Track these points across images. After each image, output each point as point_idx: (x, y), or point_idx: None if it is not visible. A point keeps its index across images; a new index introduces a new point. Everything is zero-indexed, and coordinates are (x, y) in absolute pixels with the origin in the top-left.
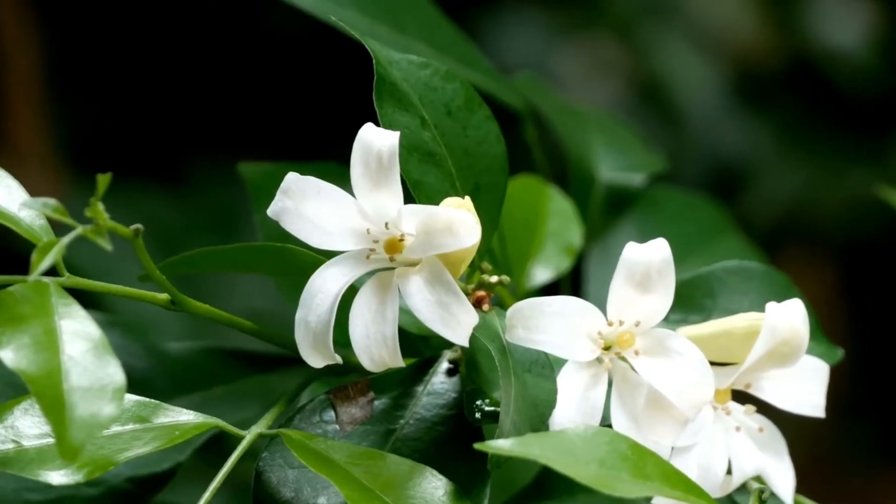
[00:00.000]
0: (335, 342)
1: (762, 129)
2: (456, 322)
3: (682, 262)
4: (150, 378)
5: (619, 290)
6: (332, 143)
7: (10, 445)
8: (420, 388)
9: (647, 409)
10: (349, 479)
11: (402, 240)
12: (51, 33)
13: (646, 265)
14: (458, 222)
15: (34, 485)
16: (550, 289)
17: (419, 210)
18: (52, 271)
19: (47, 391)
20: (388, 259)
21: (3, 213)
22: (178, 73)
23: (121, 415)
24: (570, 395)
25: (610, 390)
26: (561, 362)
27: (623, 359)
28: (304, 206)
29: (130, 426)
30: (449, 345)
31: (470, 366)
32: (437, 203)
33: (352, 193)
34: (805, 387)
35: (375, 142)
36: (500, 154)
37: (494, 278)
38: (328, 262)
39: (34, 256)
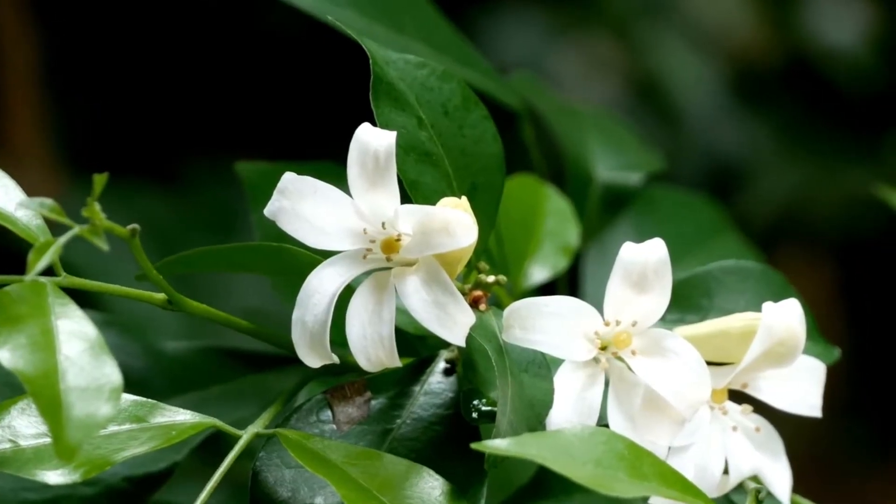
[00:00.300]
0: (332, 342)
1: (759, 128)
2: (453, 322)
3: (679, 262)
4: (147, 378)
5: (616, 289)
6: (329, 142)
7: (7, 445)
8: (417, 388)
9: (643, 409)
10: (346, 479)
11: (398, 240)
12: (48, 33)
13: (642, 265)
14: (454, 222)
15: (31, 484)
16: (547, 288)
17: (416, 210)
18: (49, 271)
19: (44, 391)
20: (384, 259)
21: (0, 213)
22: (175, 73)
23: (118, 414)
24: (567, 395)
25: (607, 390)
26: (558, 362)
27: (620, 359)
28: (301, 205)
29: (127, 426)
30: (446, 345)
31: (467, 366)
32: (433, 203)
33: (349, 193)
34: (802, 386)
35: (372, 141)
36: (496, 154)
37: (491, 278)
38: (325, 262)
39: (31, 256)
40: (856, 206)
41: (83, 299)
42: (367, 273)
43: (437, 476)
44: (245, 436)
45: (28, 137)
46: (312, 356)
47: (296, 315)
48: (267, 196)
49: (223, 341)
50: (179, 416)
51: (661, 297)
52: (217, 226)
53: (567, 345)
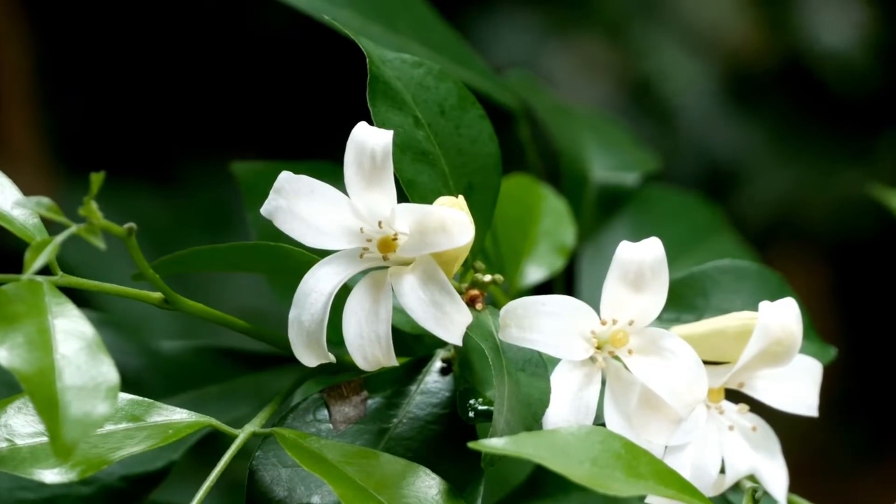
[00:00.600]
0: (329, 341)
1: (753, 130)
2: (450, 321)
3: (675, 262)
4: (143, 377)
5: (613, 289)
6: (324, 143)
7: (4, 444)
8: (413, 388)
9: (640, 409)
10: (343, 478)
11: (395, 239)
12: (42, 33)
13: (639, 264)
14: (451, 221)
15: (28, 483)
16: (543, 288)
17: (412, 209)
18: (45, 270)
19: (41, 390)
20: (381, 258)
21: None
22: (168, 73)
23: (114, 413)
24: (564, 394)
25: (603, 389)
26: (554, 361)
27: (616, 358)
28: (298, 205)
29: (124, 425)
30: (442, 344)
31: (463, 365)
32: (430, 202)
33: (345, 192)
34: (798, 386)
35: (369, 141)
36: (493, 153)
37: (488, 277)
38: (322, 261)
39: (28, 255)
40: (849, 207)
41: (79, 299)
42: (364, 272)
43: (434, 475)
44: (242, 435)
45: (22, 137)
46: (309, 355)
47: (292, 314)
48: (262, 196)
49: (219, 341)
50: (176, 416)
51: (657, 297)
52: (212, 226)
53: (564, 344)
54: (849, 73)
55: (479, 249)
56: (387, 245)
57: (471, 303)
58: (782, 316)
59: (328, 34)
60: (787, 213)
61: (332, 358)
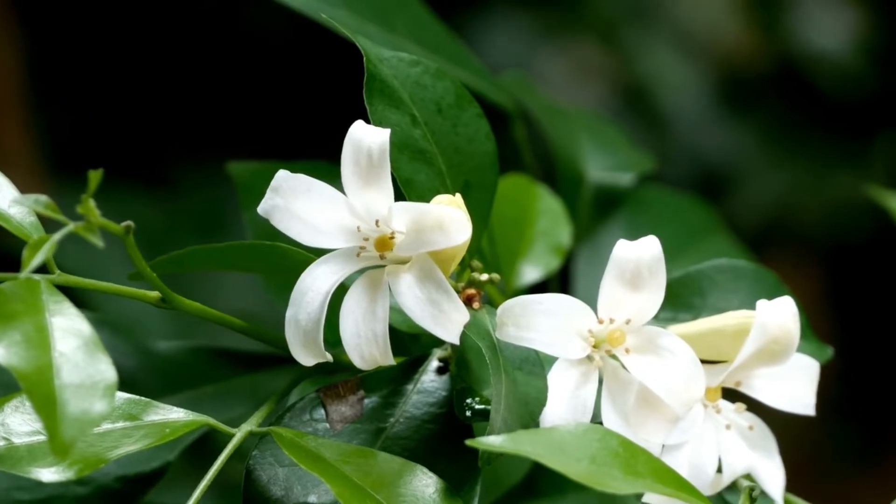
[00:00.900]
0: (325, 341)
1: (747, 133)
2: (447, 320)
3: (671, 262)
4: (140, 377)
5: (610, 287)
6: (320, 144)
7: (1, 443)
8: (410, 387)
9: (637, 407)
10: (340, 477)
11: (392, 237)
12: (33, 34)
13: (636, 262)
14: (448, 219)
15: (24, 483)
16: (540, 288)
17: (410, 207)
18: (43, 269)
19: (38, 388)
20: (378, 257)
21: None
22: (162, 74)
23: (111, 412)
24: (561, 392)
25: (600, 388)
26: (551, 360)
27: (614, 356)
28: (295, 203)
29: (121, 424)
30: (439, 343)
31: (460, 364)
32: (427, 201)
33: (342, 191)
34: (795, 385)
35: (366, 139)
36: (490, 152)
37: (485, 276)
38: (318, 260)
39: (25, 253)
40: (843, 210)
41: (74, 301)
42: (361, 271)
43: (431, 474)
44: (238, 434)
45: (15, 141)
46: (306, 354)
47: (289, 313)
48: (259, 195)
49: (214, 341)
50: (173, 415)
51: (655, 295)
52: (206, 228)
53: (561, 343)
54: (842, 76)
55: (476, 248)
56: (384, 244)
57: (468, 302)
58: (780, 314)
59: (323, 34)
60: (781, 217)
61: (328, 357)
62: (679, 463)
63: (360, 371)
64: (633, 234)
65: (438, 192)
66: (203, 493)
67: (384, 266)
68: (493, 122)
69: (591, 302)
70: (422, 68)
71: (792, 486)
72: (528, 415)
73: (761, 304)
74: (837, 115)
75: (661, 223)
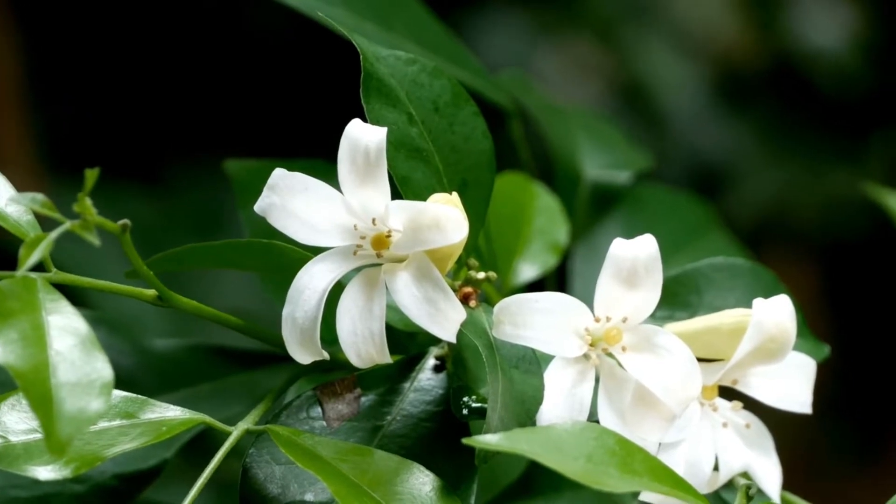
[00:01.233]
0: (322, 339)
1: (744, 131)
2: (443, 318)
3: (668, 260)
4: (136, 375)
5: (607, 285)
6: (316, 143)
7: None
8: (407, 385)
9: (634, 406)
10: (337, 475)
11: (389, 236)
12: (30, 34)
13: (633, 261)
14: (445, 218)
15: (21, 482)
16: (536, 286)
17: (406, 206)
18: (39, 268)
19: (35, 386)
20: (375, 255)
21: None
22: (158, 74)
23: (108, 410)
24: (558, 391)
25: (597, 387)
26: (548, 358)
27: (610, 355)
28: (292, 202)
29: (117, 422)
30: (436, 341)
31: (457, 362)
32: (424, 199)
33: (339, 190)
34: (792, 383)
35: (363, 138)
36: (486, 150)
37: (481, 275)
38: (315, 259)
39: (22, 251)
40: (840, 208)
41: (71, 300)
42: (358, 269)
43: (428, 472)
44: (235, 432)
45: (11, 141)
46: (302, 352)
47: (286, 311)
48: (255, 194)
49: (211, 339)
50: (170, 413)
51: (651, 293)
52: (202, 228)
53: (557, 341)
54: (839, 74)
55: (472, 247)
56: (381, 242)
57: (464, 300)
58: (776, 313)
59: (320, 33)
60: (777, 214)
61: (325, 355)
62: (676, 461)
63: (356, 369)
64: (630, 233)
65: (435, 191)
66: (200, 490)
67: (381, 264)
68: (490, 120)
69: (588, 300)
70: (418, 67)
71: (788, 484)
72: (525, 413)
73: (758, 302)
74: (834, 113)
75: (658, 221)
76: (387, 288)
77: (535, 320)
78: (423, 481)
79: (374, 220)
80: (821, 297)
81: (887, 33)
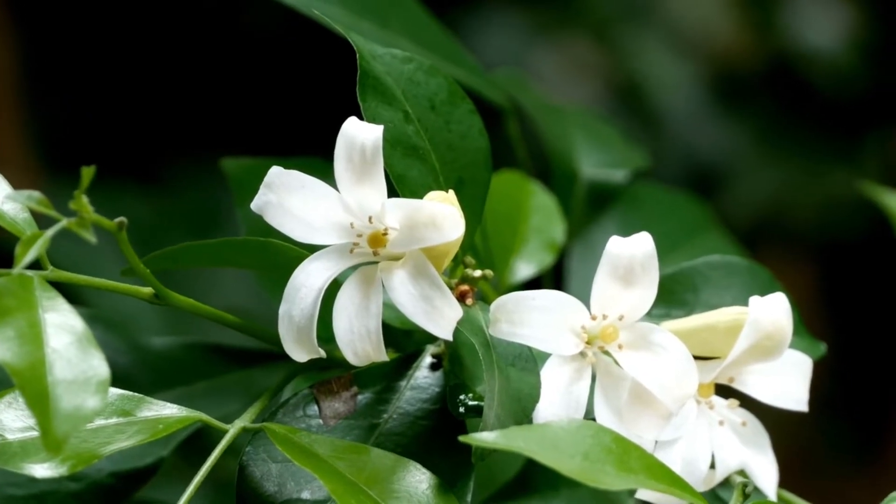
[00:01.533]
0: (318, 337)
1: (740, 131)
2: (440, 316)
3: (664, 259)
4: (133, 373)
5: (603, 283)
6: (313, 143)
7: None
8: (403, 383)
9: (630, 403)
10: (333, 473)
11: (385, 234)
12: (27, 32)
13: (629, 259)
14: (441, 216)
15: (17, 480)
16: (533, 284)
17: (403, 204)
18: (36, 266)
19: (31, 384)
20: (371, 253)
21: None
22: (155, 73)
23: (104, 408)
24: (554, 389)
25: (594, 384)
26: (545, 356)
27: (607, 353)
28: (288, 200)
29: (114, 420)
30: (432, 339)
31: (453, 360)
32: (420, 197)
33: (335, 188)
34: (788, 381)
35: (359, 135)
36: (483, 148)
37: (478, 273)
38: (312, 257)
39: (18, 249)
40: (836, 207)
41: (67, 297)
42: (354, 267)
43: (425, 470)
44: (232, 430)
45: (8, 139)
46: (299, 350)
47: (282, 309)
48: (252, 192)
49: (208, 337)
50: (166, 410)
51: (647, 291)
52: (199, 227)
53: (554, 339)
54: (835, 74)
55: (469, 245)
56: (377, 240)
57: (461, 298)
58: (772, 311)
59: (316, 32)
60: (773, 214)
61: (322, 353)
62: (672, 459)
63: (353, 367)
64: (627, 231)
65: (431, 189)
66: (196, 488)
67: (377, 262)
68: (487, 118)
69: (585, 298)
70: (415, 65)
71: (785, 482)
72: (522, 411)
73: (754, 300)
74: (830, 113)
75: (655, 220)
76: (383, 286)
77: (532, 318)
78: (419, 479)
79: (370, 218)
80: (817, 296)
81: (884, 33)
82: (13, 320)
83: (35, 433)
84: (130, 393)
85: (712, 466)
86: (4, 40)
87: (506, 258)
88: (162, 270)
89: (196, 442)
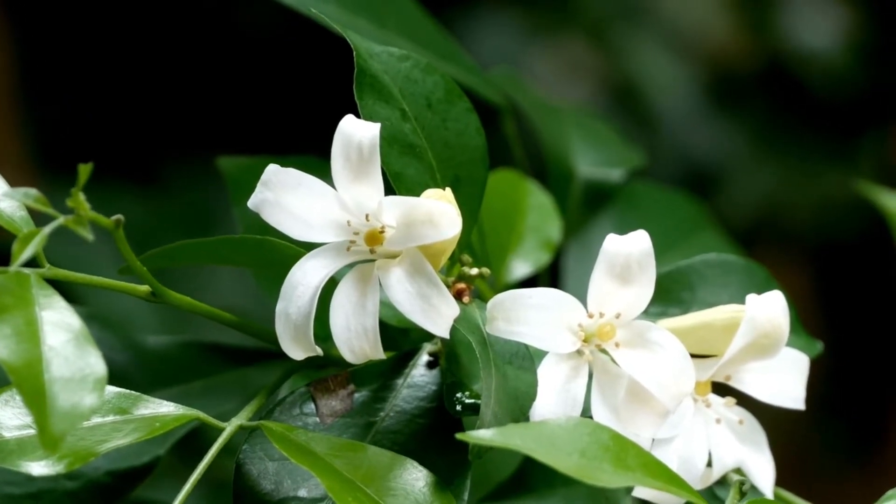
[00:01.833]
0: (315, 335)
1: (735, 131)
2: (437, 314)
3: (661, 257)
4: (130, 372)
5: (600, 281)
6: (309, 140)
7: None
8: (400, 381)
9: (627, 401)
10: (330, 471)
11: (382, 231)
12: (23, 32)
13: (626, 257)
14: (438, 214)
15: (14, 478)
16: (529, 283)
17: (400, 201)
18: (33, 263)
19: (28, 381)
20: (368, 251)
21: None
22: (152, 73)
23: (101, 406)
24: (551, 387)
25: (590, 383)
26: (541, 354)
27: (604, 351)
28: (285, 197)
29: (111, 417)
30: (429, 337)
31: (450, 358)
32: (417, 195)
33: (332, 186)
34: (785, 379)
35: (356, 133)
36: (479, 146)
37: (475, 271)
38: (309, 255)
39: (15, 247)
40: (832, 207)
41: (64, 295)
42: (351, 265)
43: (421, 468)
44: (229, 428)
45: (5, 139)
46: (296, 348)
47: (279, 307)
48: (249, 190)
49: (205, 336)
50: (163, 409)
51: (644, 289)
52: (195, 226)
53: (551, 337)
54: (831, 74)
55: (465, 243)
56: (374, 238)
57: (458, 296)
58: (769, 308)
59: (313, 32)
60: (769, 215)
61: (319, 351)
62: (669, 457)
63: (350, 365)
64: (623, 230)
65: (428, 187)
66: (193, 487)
67: (374, 260)
68: (483, 117)
69: (582, 297)
70: (412, 63)
71: (781, 481)
72: (518, 409)
73: (751, 298)
74: (826, 113)
75: (651, 219)
76: (380, 284)
77: (529, 316)
78: (416, 477)
79: (367, 216)
80: (813, 296)
81: (879, 34)
82: (10, 318)
83: (32, 431)
84: (127, 391)
85: (709, 464)
86: (1, 39)
87: (502, 256)
88: (159, 269)
89: (192, 442)
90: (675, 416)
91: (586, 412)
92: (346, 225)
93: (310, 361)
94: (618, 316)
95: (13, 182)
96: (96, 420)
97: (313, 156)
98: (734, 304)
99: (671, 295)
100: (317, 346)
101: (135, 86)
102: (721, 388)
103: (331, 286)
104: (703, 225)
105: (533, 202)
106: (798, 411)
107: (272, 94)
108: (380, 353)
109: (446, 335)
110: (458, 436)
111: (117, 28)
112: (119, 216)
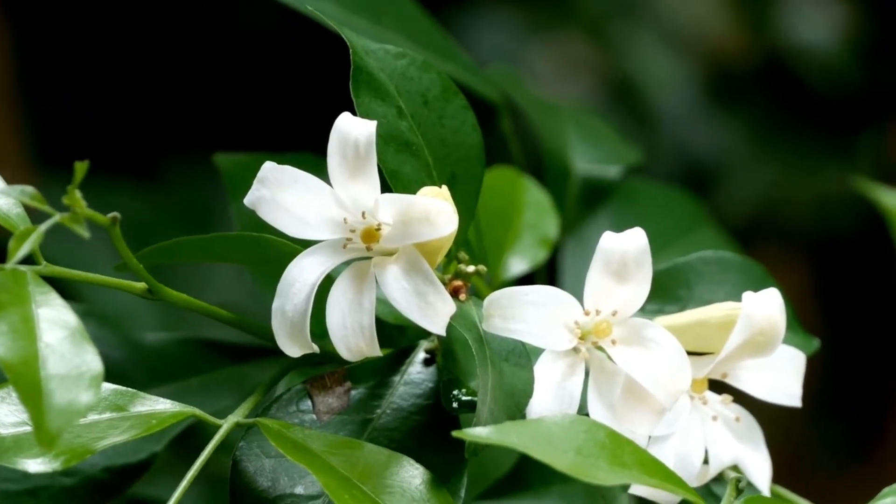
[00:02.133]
0: (312, 332)
1: (734, 128)
2: (433, 311)
3: (658, 255)
4: (126, 369)
5: (596, 279)
6: (306, 137)
7: None
8: (397, 378)
9: (623, 399)
10: (327, 468)
11: (378, 229)
12: (22, 32)
13: (623, 254)
14: (434, 211)
15: (11, 475)
16: (526, 280)
17: (396, 199)
18: (29, 261)
19: (24, 378)
20: (364, 248)
21: None
22: (150, 70)
23: (98, 403)
24: (547, 384)
25: (587, 380)
26: (538, 352)
27: (600, 348)
28: (281, 195)
29: (108, 414)
30: (425, 335)
31: (447, 355)
32: (413, 192)
33: (329, 183)
34: (782, 376)
35: (352, 131)
36: (476, 144)
37: (471, 268)
38: (305, 252)
39: (11, 244)
40: (830, 205)
41: (61, 292)
42: (348, 263)
43: (418, 465)
44: (225, 425)
45: (2, 136)
46: (292, 345)
47: (276, 304)
48: (246, 187)
49: (201, 333)
50: (160, 406)
51: (641, 287)
52: (193, 223)
53: (547, 334)
54: (829, 71)
55: (462, 240)
56: (370, 235)
57: (454, 293)
58: (766, 306)
59: (310, 30)
60: (767, 212)
61: (315, 348)
62: (665, 454)
63: (346, 362)
64: (620, 227)
65: (425, 184)
66: (189, 483)
67: (371, 258)
68: (480, 114)
69: (578, 294)
70: (408, 60)
71: (778, 479)
72: (515, 406)
73: (747, 295)
74: (824, 110)
75: (648, 216)
76: (377, 281)
77: (526, 313)
78: (412, 474)
79: (363, 214)
80: (811, 293)
81: (877, 30)
82: (6, 315)
83: (28, 428)
84: (124, 388)
85: (706, 462)
86: (0, 39)
87: (499, 254)
88: (155, 266)
89: (189, 439)
90: (671, 413)
91: (583, 409)
92: (343, 222)
93: (306, 358)
94: (614, 313)
95: (11, 179)
96: (93, 417)
97: (310, 153)
98: (731, 301)
99: (668, 292)
100: (313, 344)
101: (133, 83)
102: (718, 386)
103: (327, 283)
104: (700, 222)
105: (530, 199)
106: (795, 408)
107: (270, 91)
108: (376, 351)
109: (443, 332)
110: (455, 433)
111: (117, 27)
112: (115, 214)
